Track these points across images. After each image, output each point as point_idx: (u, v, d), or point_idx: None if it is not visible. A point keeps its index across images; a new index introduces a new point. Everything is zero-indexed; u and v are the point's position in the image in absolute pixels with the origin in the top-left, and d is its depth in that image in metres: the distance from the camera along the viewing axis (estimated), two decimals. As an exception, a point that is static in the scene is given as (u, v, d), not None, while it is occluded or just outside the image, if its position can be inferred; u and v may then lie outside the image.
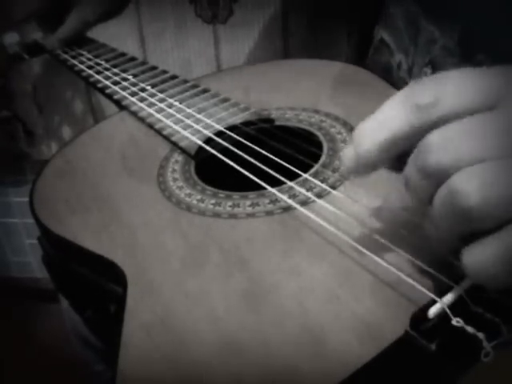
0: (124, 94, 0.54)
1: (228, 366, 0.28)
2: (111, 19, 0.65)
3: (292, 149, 0.43)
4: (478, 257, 0.25)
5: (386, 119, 0.28)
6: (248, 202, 0.39)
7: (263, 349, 0.29)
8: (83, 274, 0.40)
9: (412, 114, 0.27)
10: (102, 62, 0.60)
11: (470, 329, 0.26)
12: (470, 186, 0.24)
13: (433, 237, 0.28)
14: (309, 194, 0.38)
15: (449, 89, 0.27)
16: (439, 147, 0.26)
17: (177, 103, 0.51)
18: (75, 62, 0.62)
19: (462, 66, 0.41)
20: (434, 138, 0.26)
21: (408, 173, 0.27)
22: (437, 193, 0.26)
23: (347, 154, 0.30)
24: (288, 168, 0.40)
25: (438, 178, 0.26)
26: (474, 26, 0.45)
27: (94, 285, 0.39)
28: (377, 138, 0.28)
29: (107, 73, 0.58)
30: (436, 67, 0.49)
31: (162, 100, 0.52)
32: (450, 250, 0.28)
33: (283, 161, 0.41)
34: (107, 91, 0.56)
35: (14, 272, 1.22)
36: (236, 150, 0.43)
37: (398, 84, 0.52)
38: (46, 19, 0.67)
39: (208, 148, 0.45)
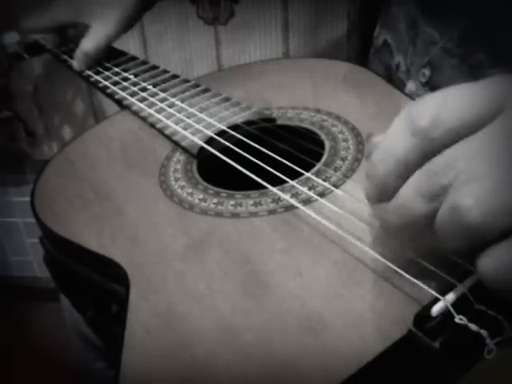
0: (125, 93, 0.54)
1: (230, 365, 0.28)
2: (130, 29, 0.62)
3: (294, 148, 0.43)
4: (492, 264, 0.25)
5: (390, 149, 0.28)
6: (250, 202, 0.39)
7: (265, 347, 0.29)
8: (85, 273, 0.40)
9: (413, 138, 0.27)
10: (103, 62, 0.60)
11: (473, 326, 0.26)
12: (468, 202, 0.24)
13: (444, 249, 0.27)
14: (311, 193, 0.38)
15: (447, 108, 0.26)
16: (442, 173, 0.25)
17: (178, 103, 0.51)
18: None
19: (461, 67, 0.41)
20: (438, 163, 0.26)
21: (405, 195, 0.27)
22: (439, 212, 0.26)
23: (366, 191, 0.30)
24: (290, 167, 0.40)
25: (439, 201, 0.26)
26: (474, 27, 0.45)
27: (96, 284, 0.39)
28: (387, 169, 0.28)
29: (108, 72, 0.58)
30: (435, 68, 0.49)
31: (163, 99, 0.52)
32: (462, 257, 0.28)
33: (285, 160, 0.41)
34: (108, 91, 0.56)
35: (14, 271, 1.22)
36: (238, 150, 0.43)
37: (396, 85, 0.52)
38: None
39: (210, 148, 0.45)
